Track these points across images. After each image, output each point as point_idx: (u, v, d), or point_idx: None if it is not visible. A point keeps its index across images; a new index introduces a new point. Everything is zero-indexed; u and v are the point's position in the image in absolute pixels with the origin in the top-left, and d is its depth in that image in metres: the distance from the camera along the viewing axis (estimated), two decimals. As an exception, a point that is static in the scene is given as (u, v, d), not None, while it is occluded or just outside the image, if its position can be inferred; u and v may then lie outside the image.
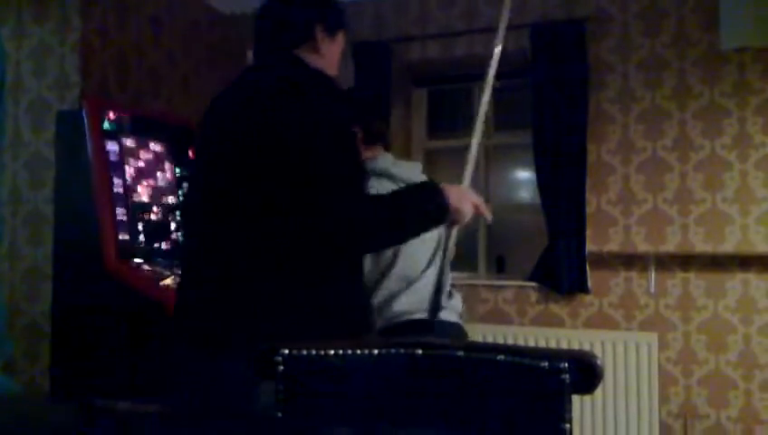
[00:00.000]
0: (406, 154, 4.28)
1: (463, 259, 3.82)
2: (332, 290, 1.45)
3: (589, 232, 3.69)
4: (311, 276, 1.41)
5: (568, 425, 1.04)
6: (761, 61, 3.51)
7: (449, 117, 4.56)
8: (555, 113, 3.70)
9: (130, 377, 2.57)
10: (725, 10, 3.52)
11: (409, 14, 4.12)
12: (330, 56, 1.68)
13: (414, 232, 1.58)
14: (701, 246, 3.58)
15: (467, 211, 1.66)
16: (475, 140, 1.96)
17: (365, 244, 1.50)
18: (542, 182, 3.75)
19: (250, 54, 1.73)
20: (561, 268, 3.67)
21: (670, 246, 3.62)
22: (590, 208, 3.72)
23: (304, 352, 1.11)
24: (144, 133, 3.16)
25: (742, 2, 3.50)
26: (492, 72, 2.06)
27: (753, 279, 3.50)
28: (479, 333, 3.69)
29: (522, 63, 3.82)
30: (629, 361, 3.57)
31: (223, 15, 4.36)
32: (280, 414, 1.08)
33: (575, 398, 1.06)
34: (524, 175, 4.28)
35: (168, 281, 2.79)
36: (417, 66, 4.17)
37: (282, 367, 1.09)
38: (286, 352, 1.10)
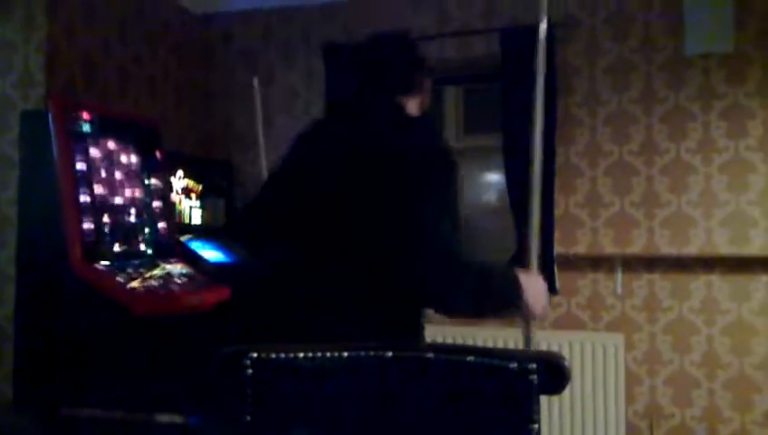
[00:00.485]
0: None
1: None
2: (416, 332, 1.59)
3: (557, 234, 3.73)
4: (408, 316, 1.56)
5: (536, 425, 1.05)
6: (724, 66, 3.58)
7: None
8: (524, 116, 3.72)
9: (97, 383, 2.52)
10: (690, 16, 3.59)
11: (381, 17, 4.12)
12: (423, 100, 1.82)
13: (482, 314, 1.73)
14: (666, 248, 3.64)
15: (538, 312, 1.69)
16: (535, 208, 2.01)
17: (448, 311, 1.58)
18: (512, 184, 3.78)
19: (256, 81, 1.92)
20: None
21: (636, 248, 3.68)
22: (559, 211, 3.76)
23: (273, 356, 1.10)
24: (111, 134, 3.12)
25: (705, 9, 3.58)
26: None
27: (717, 281, 3.57)
28: (449, 335, 3.70)
29: (492, 67, 3.85)
30: (597, 361, 3.61)
31: (193, 15, 4.32)
32: (249, 418, 1.08)
33: (543, 398, 1.07)
34: (494, 177, 4.31)
35: (136, 283, 2.75)
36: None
37: (250, 371, 1.09)
38: (255, 355, 1.09)
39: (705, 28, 3.58)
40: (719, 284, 3.57)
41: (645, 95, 3.70)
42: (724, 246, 3.56)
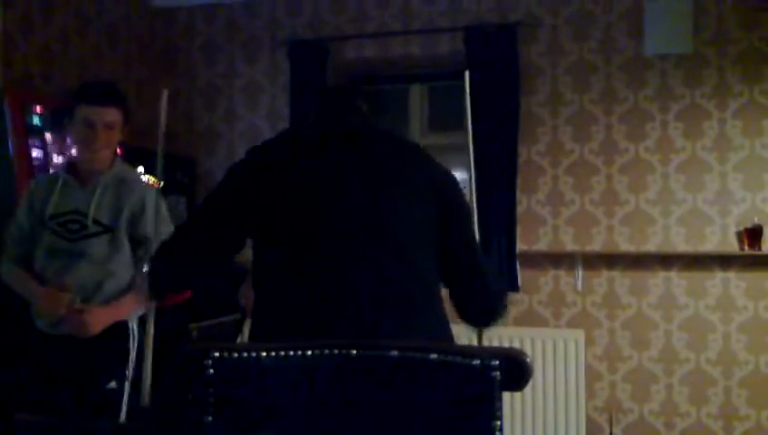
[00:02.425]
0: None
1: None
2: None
3: (519, 231, 3.77)
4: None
5: (498, 422, 1.06)
6: (681, 67, 3.66)
7: (385, 118, 4.57)
8: (488, 115, 3.76)
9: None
10: (650, 18, 3.66)
11: (346, 13, 4.11)
12: None
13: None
14: (625, 245, 3.70)
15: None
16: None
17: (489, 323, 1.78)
18: (475, 182, 3.80)
19: (165, 93, 2.27)
20: (493, 266, 3.73)
21: (596, 245, 3.74)
22: (521, 208, 3.80)
23: (235, 355, 1.09)
24: (69, 129, 3.05)
25: (665, 11, 3.65)
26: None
27: (675, 277, 3.65)
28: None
29: (456, 66, 3.87)
30: (558, 357, 3.66)
31: (153, 9, 4.25)
32: (210, 419, 1.06)
33: (505, 394, 1.08)
34: (457, 175, 4.33)
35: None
36: (352, 65, 4.17)
37: (212, 370, 1.07)
38: (216, 354, 1.08)
39: (664, 29, 3.65)
40: (677, 280, 3.65)
41: (605, 95, 3.76)
42: (681, 243, 3.64)
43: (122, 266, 2.30)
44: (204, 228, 1.59)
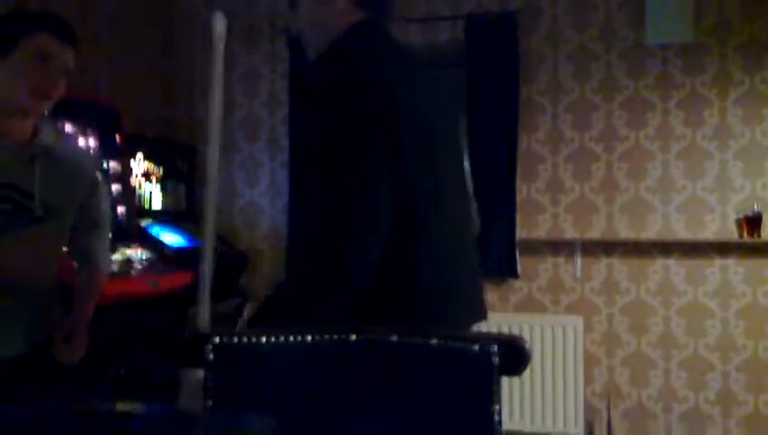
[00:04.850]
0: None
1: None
2: None
3: (518, 218, 3.77)
4: None
5: (497, 406, 1.06)
6: (682, 56, 3.65)
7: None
8: (488, 103, 3.75)
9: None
10: (650, 6, 3.64)
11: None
12: None
13: None
14: (625, 232, 3.71)
15: None
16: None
17: None
18: (475, 170, 3.80)
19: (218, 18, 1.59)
20: (492, 253, 3.74)
21: (596, 232, 3.75)
22: (521, 196, 3.80)
23: (234, 341, 1.10)
24: (67, 116, 3.04)
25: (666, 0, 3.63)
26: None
27: (673, 265, 3.66)
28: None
29: (456, 54, 3.86)
30: (556, 343, 3.68)
31: (152, -4, 4.23)
32: (210, 404, 1.07)
33: (504, 379, 1.09)
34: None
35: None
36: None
37: (211, 356, 1.08)
38: (216, 340, 1.08)
39: (665, 18, 3.63)
40: (675, 267, 3.66)
41: (605, 83, 3.75)
42: (680, 230, 3.65)
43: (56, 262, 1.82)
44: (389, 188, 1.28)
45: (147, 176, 3.73)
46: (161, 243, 3.36)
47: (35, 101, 1.65)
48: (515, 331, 3.70)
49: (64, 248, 1.84)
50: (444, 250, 1.39)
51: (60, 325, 1.76)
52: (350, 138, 1.28)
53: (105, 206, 1.86)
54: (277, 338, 1.12)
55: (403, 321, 1.29)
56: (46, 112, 1.73)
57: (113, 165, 3.23)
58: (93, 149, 3.15)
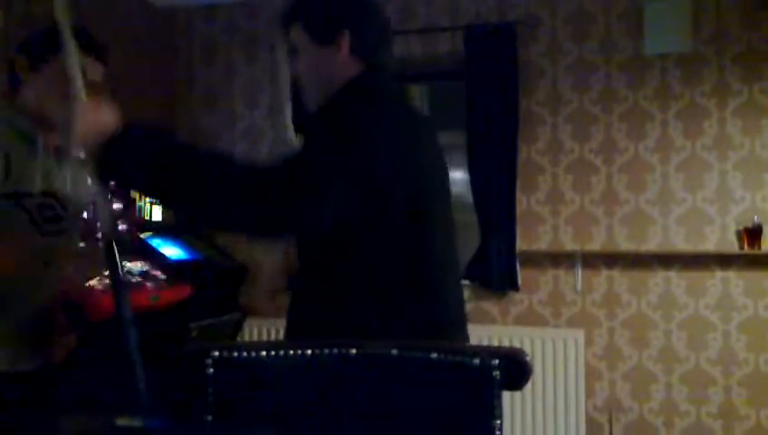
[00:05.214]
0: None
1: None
2: None
3: (519, 230, 3.77)
4: None
5: (498, 421, 1.06)
6: (681, 67, 3.66)
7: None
8: (488, 114, 3.76)
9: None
10: (649, 17, 3.66)
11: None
12: None
13: None
14: (625, 245, 3.70)
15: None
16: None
17: None
18: (475, 181, 3.81)
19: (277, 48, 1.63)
20: (493, 266, 3.73)
21: (596, 244, 3.74)
22: (521, 208, 3.80)
23: (235, 354, 1.09)
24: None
25: (664, 10, 3.65)
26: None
27: (674, 277, 3.65)
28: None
29: (456, 65, 3.87)
30: (557, 356, 3.66)
31: (155, 9, 4.25)
32: (210, 418, 1.07)
33: (505, 393, 1.08)
34: (457, 174, 4.33)
35: (93, 282, 2.70)
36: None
37: (212, 369, 1.07)
38: (216, 353, 1.08)
39: (663, 28, 3.65)
40: (676, 280, 3.65)
41: (605, 95, 3.76)
42: (681, 243, 3.64)
43: None
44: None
45: (147, 188, 3.73)
46: (161, 255, 3.35)
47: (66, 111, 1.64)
48: (516, 344, 3.69)
49: None
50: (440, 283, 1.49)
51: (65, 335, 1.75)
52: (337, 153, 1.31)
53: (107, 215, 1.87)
54: (277, 352, 1.12)
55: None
56: None
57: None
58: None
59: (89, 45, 1.70)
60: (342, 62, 1.50)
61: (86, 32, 1.73)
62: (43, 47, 1.69)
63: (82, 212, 1.78)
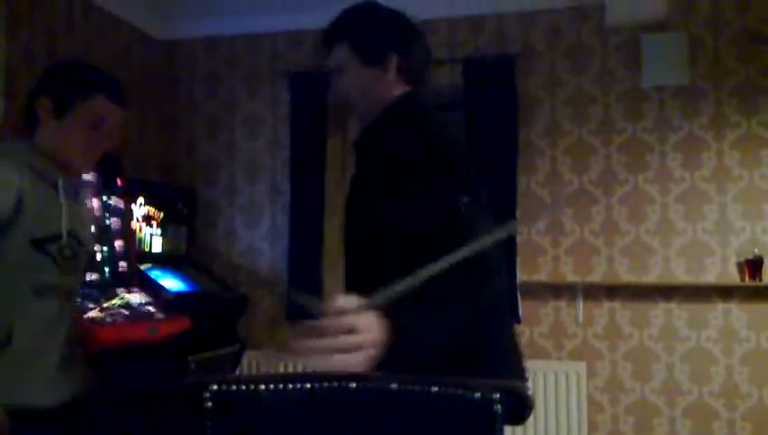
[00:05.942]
0: (342, 182, 4.28)
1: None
2: None
3: (519, 261, 3.76)
4: None
5: (500, 456, 1.04)
6: (679, 99, 3.69)
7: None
8: (487, 145, 3.78)
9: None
10: (647, 50, 3.70)
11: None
12: None
13: None
14: (626, 276, 3.70)
15: None
16: None
17: None
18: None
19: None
20: (494, 298, 3.71)
21: (597, 276, 3.73)
22: (521, 238, 3.80)
23: (233, 388, 1.08)
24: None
25: (661, 43, 3.69)
26: None
27: (675, 309, 3.64)
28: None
29: (455, 97, 3.90)
30: (559, 389, 3.63)
31: (156, 41, 4.30)
32: (207, 453, 1.05)
33: (507, 428, 1.07)
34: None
35: (94, 314, 2.69)
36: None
37: (210, 403, 1.06)
38: (215, 387, 1.07)
39: (661, 61, 3.69)
40: (678, 312, 3.63)
41: (603, 126, 3.79)
42: (681, 274, 3.63)
43: None
44: None
45: (147, 219, 3.74)
46: (161, 287, 3.34)
47: (85, 160, 1.75)
48: (517, 376, 3.65)
49: None
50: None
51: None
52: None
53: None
54: (276, 386, 1.10)
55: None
56: None
57: (114, 207, 3.23)
58: (96, 193, 3.16)
59: (118, 95, 1.77)
60: (389, 82, 1.53)
61: (117, 82, 1.80)
62: (71, 93, 1.71)
63: (93, 250, 1.82)
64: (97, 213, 3.15)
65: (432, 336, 1.26)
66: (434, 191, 1.36)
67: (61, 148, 1.70)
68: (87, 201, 2.00)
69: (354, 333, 1.10)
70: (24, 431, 1.57)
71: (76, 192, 1.81)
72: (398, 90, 1.53)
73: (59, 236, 1.65)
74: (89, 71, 1.81)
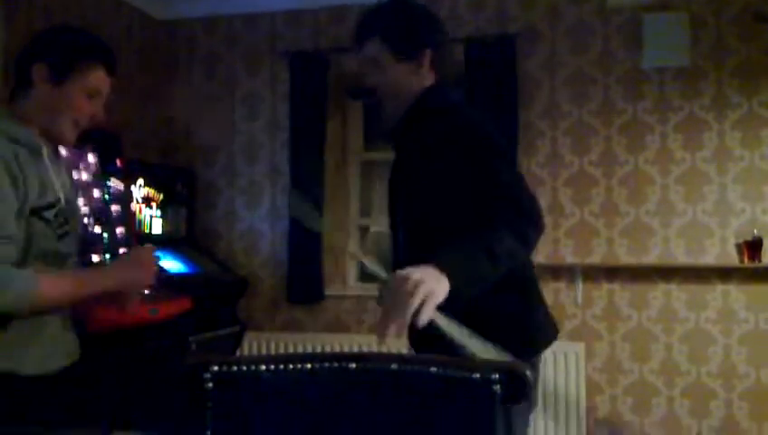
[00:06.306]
0: (342, 164, 4.27)
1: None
2: None
3: (519, 244, 3.76)
4: None
5: (499, 435, 1.05)
6: (680, 80, 3.67)
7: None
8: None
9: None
10: (648, 30, 3.67)
11: (347, 25, 4.13)
12: None
13: None
14: (625, 258, 3.70)
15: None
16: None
17: None
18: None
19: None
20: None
21: (596, 257, 3.73)
22: (521, 221, 3.79)
23: (234, 369, 1.09)
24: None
25: (663, 23, 3.66)
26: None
27: (675, 290, 3.64)
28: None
29: (456, 77, 3.88)
30: (558, 370, 3.65)
31: (155, 21, 4.27)
32: (209, 433, 1.06)
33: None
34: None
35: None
36: (353, 77, 4.18)
37: (210, 384, 1.07)
38: (215, 368, 1.07)
39: (662, 42, 3.66)
40: (677, 293, 3.64)
41: (603, 107, 3.77)
42: (681, 255, 3.64)
43: None
44: None
45: (147, 201, 3.73)
46: (161, 268, 3.35)
47: (74, 130, 1.72)
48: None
49: None
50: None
51: None
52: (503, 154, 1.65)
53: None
54: (277, 366, 1.11)
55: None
56: None
57: (114, 190, 3.23)
58: (95, 173, 3.15)
59: (113, 68, 1.75)
60: (422, 75, 1.64)
61: (113, 53, 1.77)
62: (70, 59, 1.68)
63: (79, 216, 1.84)
64: (96, 195, 3.15)
65: (485, 278, 1.43)
66: (510, 155, 1.61)
67: (54, 116, 1.68)
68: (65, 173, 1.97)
69: (421, 285, 1.25)
70: (27, 397, 1.59)
71: (59, 159, 1.81)
72: (427, 81, 1.65)
73: (53, 204, 1.66)
74: (88, 39, 1.78)
